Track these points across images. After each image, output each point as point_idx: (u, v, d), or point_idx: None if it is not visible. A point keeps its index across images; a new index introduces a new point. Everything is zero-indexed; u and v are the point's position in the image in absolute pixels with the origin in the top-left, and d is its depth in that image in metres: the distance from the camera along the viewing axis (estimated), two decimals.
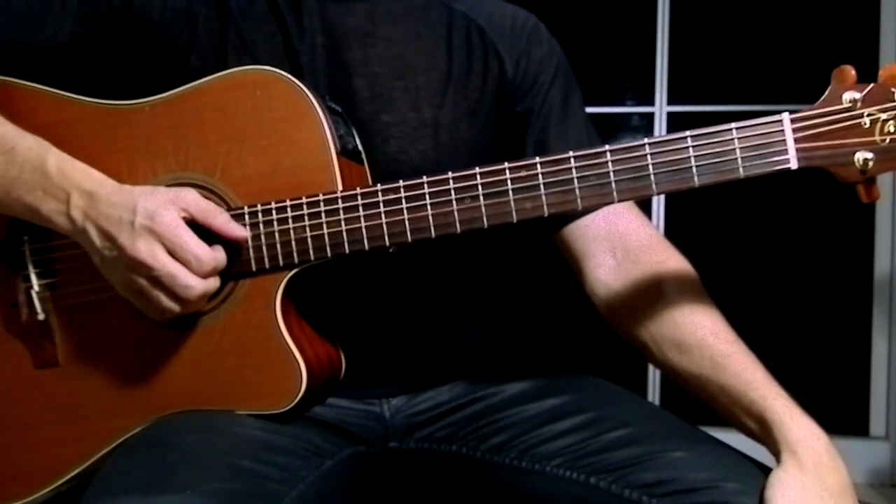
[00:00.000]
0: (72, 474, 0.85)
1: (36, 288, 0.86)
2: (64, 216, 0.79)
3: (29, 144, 0.82)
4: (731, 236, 2.52)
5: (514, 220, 0.77)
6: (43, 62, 0.88)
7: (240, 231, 0.79)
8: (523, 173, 0.77)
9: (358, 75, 0.89)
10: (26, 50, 0.87)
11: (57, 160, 0.81)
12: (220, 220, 0.79)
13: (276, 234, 0.80)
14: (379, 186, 0.79)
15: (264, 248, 0.81)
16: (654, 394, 2.47)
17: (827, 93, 0.73)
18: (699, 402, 0.84)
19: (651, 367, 2.50)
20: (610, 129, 2.64)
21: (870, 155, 0.72)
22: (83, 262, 0.83)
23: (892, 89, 0.72)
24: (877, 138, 0.72)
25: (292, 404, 0.80)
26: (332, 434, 0.87)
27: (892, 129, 0.72)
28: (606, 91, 2.64)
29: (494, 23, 0.95)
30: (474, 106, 0.93)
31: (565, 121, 0.95)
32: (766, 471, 0.77)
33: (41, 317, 0.86)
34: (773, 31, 2.50)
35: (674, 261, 0.90)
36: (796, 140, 0.72)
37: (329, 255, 0.80)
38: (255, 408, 0.81)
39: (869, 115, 0.72)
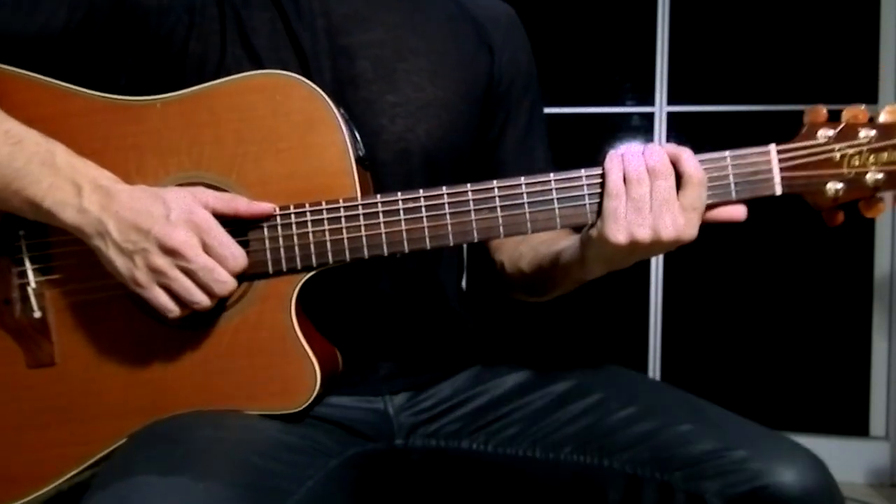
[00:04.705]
0: (67, 476, 0.83)
1: (32, 284, 0.83)
2: (73, 208, 0.77)
3: (37, 139, 0.80)
4: (730, 236, 2.44)
5: (529, 232, 0.83)
6: (38, 49, 0.85)
7: (265, 205, 0.81)
8: (538, 188, 0.82)
9: (361, 57, 0.91)
10: (21, 38, 0.84)
11: (66, 155, 0.79)
12: (242, 203, 0.80)
13: (295, 237, 0.82)
14: (399, 195, 0.82)
15: (282, 251, 0.82)
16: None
17: (805, 129, 0.83)
18: (700, 384, 0.90)
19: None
20: (610, 129, 2.63)
21: (840, 185, 0.82)
22: (83, 259, 0.81)
23: (858, 128, 0.83)
24: (844, 170, 0.82)
25: (306, 404, 0.82)
26: (338, 432, 0.89)
27: (856, 163, 0.83)
28: (606, 91, 2.63)
29: (490, 19, 1.00)
30: (470, 90, 0.97)
31: (529, 134, 1.03)
32: (773, 435, 0.82)
33: (37, 314, 0.83)
34: (772, 32, 2.50)
35: None
36: (781, 169, 0.82)
37: (348, 259, 0.82)
38: (266, 408, 0.82)
39: (839, 150, 0.82)
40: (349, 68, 0.90)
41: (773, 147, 0.82)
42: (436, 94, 0.93)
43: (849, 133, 0.83)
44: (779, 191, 0.82)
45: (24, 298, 0.83)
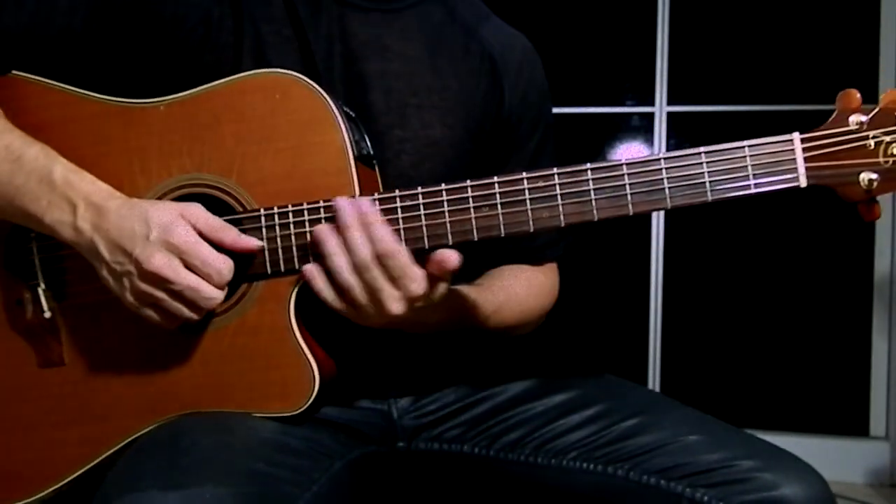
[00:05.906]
0: (74, 476, 0.84)
1: (42, 285, 0.85)
2: (70, 227, 0.79)
3: (35, 154, 0.81)
4: (731, 236, 2.51)
5: (532, 230, 0.79)
6: (57, 53, 0.87)
7: (252, 242, 0.80)
8: (541, 183, 0.78)
9: (374, 88, 0.90)
10: (42, 41, 0.86)
11: (63, 171, 0.80)
12: (230, 235, 0.79)
13: (293, 237, 0.81)
14: (397, 192, 0.80)
15: (280, 251, 0.81)
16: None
17: (834, 115, 0.76)
18: (700, 383, 0.89)
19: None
20: (610, 129, 2.64)
21: (874, 175, 0.75)
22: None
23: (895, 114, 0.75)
24: (881, 160, 0.75)
25: (304, 407, 0.80)
26: (341, 434, 0.88)
27: (894, 152, 0.75)
28: (606, 91, 2.65)
29: (506, 56, 0.98)
30: (479, 128, 0.95)
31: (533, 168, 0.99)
32: (777, 449, 0.81)
33: (47, 315, 0.85)
34: (773, 32, 2.50)
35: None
36: (806, 159, 0.75)
37: None
38: (265, 410, 0.81)
39: (874, 137, 0.75)
40: (361, 97, 0.89)
41: (796, 135, 0.76)
42: (443, 133, 0.92)
43: (885, 118, 0.75)
44: (804, 182, 0.75)
45: (35, 299, 0.85)
